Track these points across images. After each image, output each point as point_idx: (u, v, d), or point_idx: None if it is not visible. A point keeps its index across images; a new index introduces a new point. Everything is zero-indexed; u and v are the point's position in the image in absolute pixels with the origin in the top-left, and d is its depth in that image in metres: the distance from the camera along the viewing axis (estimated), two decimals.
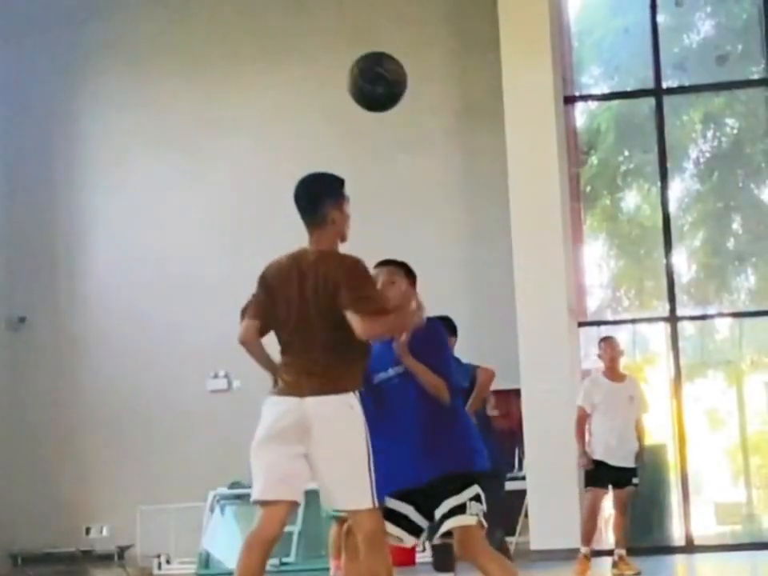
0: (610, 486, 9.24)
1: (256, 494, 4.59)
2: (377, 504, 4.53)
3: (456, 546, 4.90)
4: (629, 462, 9.14)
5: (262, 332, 4.74)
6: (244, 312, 4.77)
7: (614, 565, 9.34)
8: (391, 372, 4.96)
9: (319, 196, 4.72)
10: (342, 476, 4.52)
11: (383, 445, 4.61)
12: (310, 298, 4.62)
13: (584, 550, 9.16)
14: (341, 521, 4.75)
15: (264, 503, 4.57)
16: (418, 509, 4.95)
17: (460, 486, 4.88)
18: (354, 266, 4.63)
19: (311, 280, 4.63)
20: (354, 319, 4.52)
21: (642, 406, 9.36)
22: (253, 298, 4.78)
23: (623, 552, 9.30)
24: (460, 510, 4.84)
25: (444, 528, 4.87)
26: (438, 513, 4.89)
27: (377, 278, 4.98)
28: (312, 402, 4.53)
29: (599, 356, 9.51)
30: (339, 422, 4.52)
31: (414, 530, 4.97)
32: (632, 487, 9.20)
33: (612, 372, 9.35)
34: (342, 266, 4.63)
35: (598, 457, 9.11)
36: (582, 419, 9.27)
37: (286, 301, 4.67)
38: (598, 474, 9.12)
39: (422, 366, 4.91)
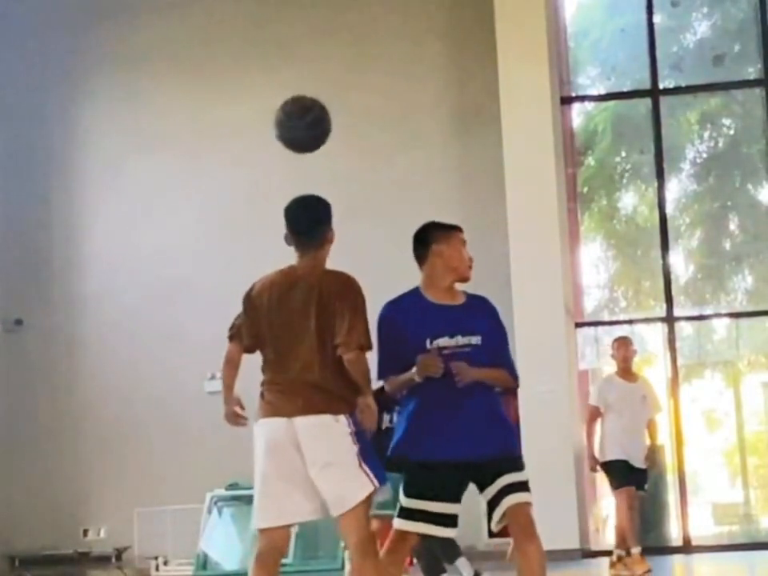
0: None
1: (257, 522, 4.64)
2: (377, 485, 4.52)
3: (513, 524, 4.70)
4: (641, 463, 9.10)
5: (249, 351, 4.79)
6: (231, 337, 4.89)
7: (612, 565, 9.33)
8: (452, 341, 4.83)
9: (319, 220, 4.80)
10: (334, 481, 4.51)
11: (444, 412, 4.63)
12: (301, 315, 4.62)
13: (636, 549, 9.07)
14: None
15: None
16: (459, 501, 4.80)
17: (519, 464, 4.79)
18: (349, 287, 4.65)
19: (302, 297, 4.63)
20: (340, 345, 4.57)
21: (654, 405, 9.35)
22: (236, 320, 4.87)
23: (622, 553, 9.29)
24: (522, 486, 4.71)
25: (509, 501, 4.66)
26: (497, 486, 4.70)
27: (457, 240, 5.21)
28: (299, 421, 4.54)
29: (612, 356, 9.45)
30: (324, 430, 4.52)
31: (450, 522, 4.79)
32: (642, 492, 9.18)
33: (625, 372, 9.31)
34: (337, 283, 4.65)
35: (617, 456, 9.02)
36: (594, 418, 9.25)
37: (272, 319, 4.66)
38: (623, 473, 9.02)
39: (486, 371, 4.80)
